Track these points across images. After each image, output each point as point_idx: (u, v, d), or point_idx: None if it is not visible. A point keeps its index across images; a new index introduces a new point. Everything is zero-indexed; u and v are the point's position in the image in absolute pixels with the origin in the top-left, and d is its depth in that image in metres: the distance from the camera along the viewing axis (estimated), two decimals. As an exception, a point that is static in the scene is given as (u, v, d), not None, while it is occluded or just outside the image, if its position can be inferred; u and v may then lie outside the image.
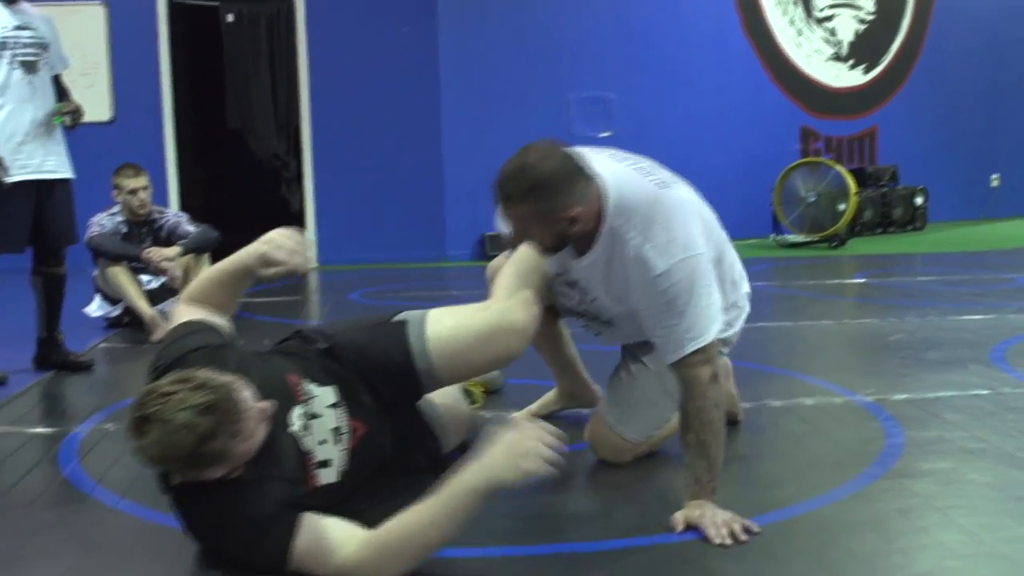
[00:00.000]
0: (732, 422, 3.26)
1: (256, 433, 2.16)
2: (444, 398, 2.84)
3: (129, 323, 5.44)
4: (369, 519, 2.18)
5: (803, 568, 2.21)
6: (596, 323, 2.89)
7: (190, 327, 2.41)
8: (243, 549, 2.14)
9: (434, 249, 8.90)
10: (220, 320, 2.48)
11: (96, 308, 5.55)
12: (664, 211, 2.52)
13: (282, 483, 2.20)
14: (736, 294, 2.87)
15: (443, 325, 2.58)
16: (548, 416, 3.35)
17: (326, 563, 2.12)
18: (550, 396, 3.44)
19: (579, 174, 2.47)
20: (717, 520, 2.36)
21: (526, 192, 2.43)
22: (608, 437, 2.93)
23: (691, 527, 2.38)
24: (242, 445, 2.12)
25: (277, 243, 2.41)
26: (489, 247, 8.90)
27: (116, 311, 5.49)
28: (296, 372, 2.42)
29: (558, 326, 3.25)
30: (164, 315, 5.42)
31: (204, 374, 2.13)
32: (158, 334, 5.07)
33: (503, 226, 2.62)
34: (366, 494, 2.43)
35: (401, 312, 2.66)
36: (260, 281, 2.47)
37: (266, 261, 2.40)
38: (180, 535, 2.39)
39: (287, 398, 2.32)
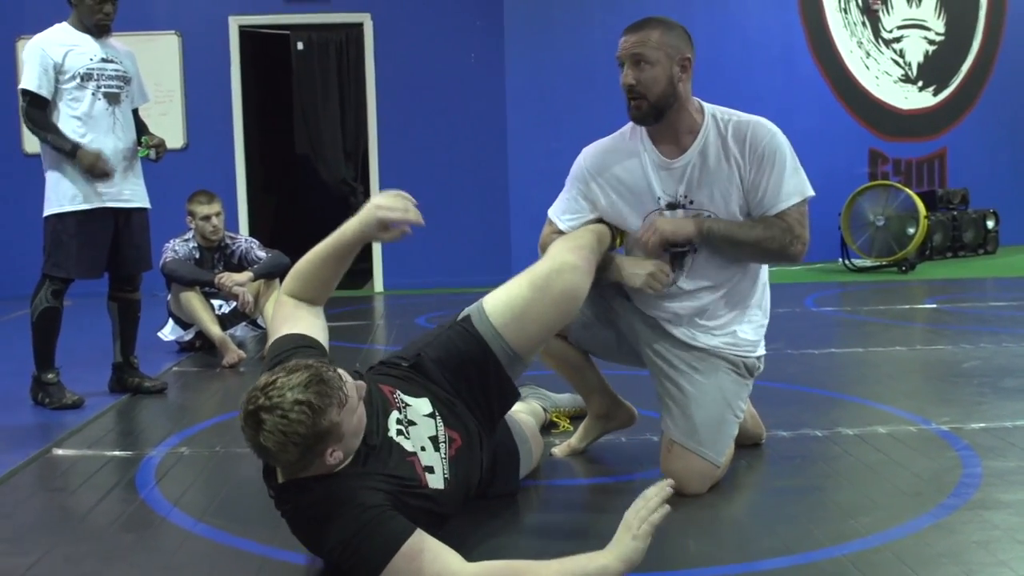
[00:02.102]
0: (755, 444, 3.33)
1: (359, 407, 2.20)
2: (527, 427, 2.87)
3: (201, 347, 5.53)
4: (465, 544, 2.21)
5: (881, 601, 2.17)
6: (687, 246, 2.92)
7: (292, 342, 2.45)
8: (347, 543, 2.13)
9: (499, 274, 8.81)
10: (320, 335, 2.52)
11: (169, 332, 5.65)
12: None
13: (392, 481, 2.23)
14: (767, 320, 3.06)
15: (498, 296, 2.66)
16: (588, 445, 3.34)
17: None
18: (586, 424, 3.36)
19: (692, 44, 2.91)
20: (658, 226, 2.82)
21: (658, 22, 2.84)
22: (695, 464, 2.87)
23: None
24: (351, 418, 2.16)
25: (388, 205, 2.47)
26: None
27: (188, 335, 5.58)
28: (388, 383, 2.47)
29: (578, 351, 3.21)
30: (236, 339, 5.51)
31: (295, 361, 2.19)
32: (229, 358, 5.14)
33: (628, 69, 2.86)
34: (460, 518, 2.48)
35: (462, 311, 2.71)
36: (381, 242, 2.57)
37: (383, 224, 2.47)
38: (257, 558, 2.43)
39: (383, 404, 2.37)
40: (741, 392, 2.98)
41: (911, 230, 8.98)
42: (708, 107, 2.93)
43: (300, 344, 2.45)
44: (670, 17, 2.92)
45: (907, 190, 9.18)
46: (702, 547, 2.52)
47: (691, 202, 2.88)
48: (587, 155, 3.03)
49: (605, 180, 2.96)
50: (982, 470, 3.03)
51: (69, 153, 4.08)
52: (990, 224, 10.21)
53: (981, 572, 2.29)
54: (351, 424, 2.17)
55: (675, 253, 2.92)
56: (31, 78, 4.10)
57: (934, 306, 6.97)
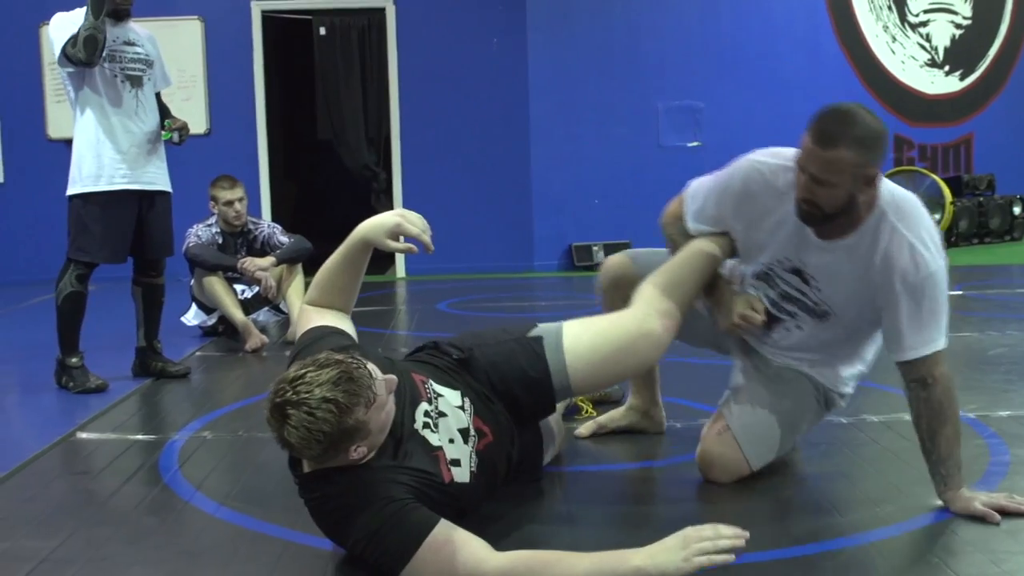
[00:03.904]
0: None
1: (388, 403, 2.19)
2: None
3: (224, 332, 5.54)
4: (491, 533, 2.19)
5: (908, 589, 2.15)
6: (799, 315, 2.77)
7: (319, 331, 2.48)
8: (372, 535, 2.12)
9: (521, 260, 8.91)
10: (347, 327, 2.54)
11: (192, 317, 5.66)
12: (927, 219, 2.60)
13: (416, 474, 2.22)
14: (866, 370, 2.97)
15: (581, 341, 2.62)
16: (612, 430, 3.33)
17: (461, 566, 2.08)
18: (619, 411, 3.36)
19: (887, 146, 2.56)
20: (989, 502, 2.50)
21: (853, 139, 2.43)
22: (733, 456, 2.82)
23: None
24: (379, 415, 2.15)
25: (411, 220, 2.50)
26: (576, 258, 8.88)
27: (211, 320, 5.59)
28: (423, 372, 2.46)
29: None
30: (258, 324, 5.52)
31: (326, 354, 2.18)
32: (252, 343, 5.15)
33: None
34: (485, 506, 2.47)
35: (535, 326, 2.69)
36: (382, 248, 2.53)
37: (397, 233, 2.48)
38: (279, 543, 2.43)
39: (413, 395, 2.35)
40: (810, 416, 2.91)
41: (937, 216, 8.91)
42: (884, 204, 2.56)
43: (328, 332, 2.46)
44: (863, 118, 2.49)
45: (933, 176, 9.11)
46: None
47: (819, 288, 2.70)
48: (751, 164, 2.74)
49: (753, 200, 2.72)
50: (1010, 458, 3.00)
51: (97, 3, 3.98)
52: (1016, 210, 10.11)
53: (1008, 560, 2.26)
54: (378, 421, 2.16)
55: (773, 317, 2.82)
56: (63, 36, 4.02)
57: (960, 293, 6.91)
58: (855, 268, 2.61)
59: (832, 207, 2.52)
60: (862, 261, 2.58)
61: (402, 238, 2.51)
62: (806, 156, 2.49)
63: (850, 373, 2.93)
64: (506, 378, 2.56)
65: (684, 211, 2.89)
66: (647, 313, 2.66)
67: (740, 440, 2.82)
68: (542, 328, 2.67)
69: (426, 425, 2.32)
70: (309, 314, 2.59)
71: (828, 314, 2.72)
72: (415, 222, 2.50)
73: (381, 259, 9.26)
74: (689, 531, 2.10)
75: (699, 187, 2.87)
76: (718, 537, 2.08)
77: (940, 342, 2.54)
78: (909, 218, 2.55)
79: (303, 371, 2.12)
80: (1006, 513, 2.48)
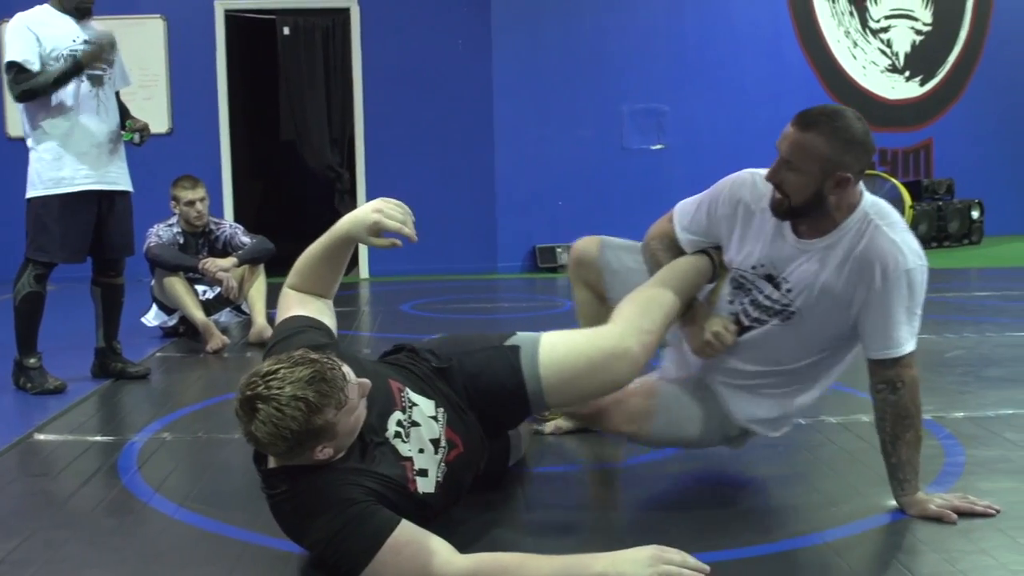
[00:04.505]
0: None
1: (359, 407, 2.18)
2: None
3: (185, 332, 5.51)
4: (456, 535, 2.19)
5: (863, 588, 2.18)
6: (763, 321, 2.74)
7: (299, 321, 2.46)
8: (332, 536, 2.11)
9: (485, 261, 8.92)
10: (328, 319, 2.52)
11: (153, 317, 5.63)
12: (904, 223, 2.62)
13: (380, 480, 2.20)
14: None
15: (556, 352, 2.58)
16: (575, 430, 3.35)
17: (422, 568, 2.07)
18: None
19: (869, 156, 2.54)
20: (944, 504, 2.54)
21: (829, 128, 2.47)
22: (646, 409, 2.79)
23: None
24: (348, 418, 2.14)
25: (389, 213, 2.45)
26: (540, 259, 8.90)
27: (172, 321, 5.56)
28: (400, 380, 2.45)
29: None
30: (220, 325, 5.49)
31: (302, 352, 2.16)
32: (213, 344, 5.13)
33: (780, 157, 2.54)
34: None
35: (513, 335, 2.67)
36: (365, 244, 2.50)
37: (377, 230, 2.44)
38: (237, 544, 2.43)
39: (387, 403, 2.34)
40: (709, 436, 2.87)
41: (896, 220, 9.00)
42: (865, 207, 2.58)
43: (308, 325, 2.44)
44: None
45: (893, 180, 9.21)
46: (683, 534, 2.51)
47: (789, 290, 2.67)
48: (740, 177, 2.77)
49: (738, 207, 2.74)
50: (964, 458, 3.04)
51: (73, 68, 4.02)
52: (975, 214, 10.24)
53: (962, 560, 2.29)
54: (347, 424, 2.15)
55: (743, 328, 2.79)
56: (16, 51, 4.04)
57: (918, 296, 6.98)
58: (832, 267, 2.60)
59: (798, 198, 2.53)
60: (841, 259, 2.58)
61: (384, 233, 2.47)
62: (782, 136, 2.54)
63: (759, 416, 2.87)
64: (482, 389, 2.54)
65: (674, 224, 2.89)
66: (625, 331, 2.62)
67: (660, 410, 2.79)
68: (520, 337, 2.64)
69: (397, 435, 2.31)
70: (290, 300, 2.56)
71: (794, 315, 2.69)
72: (394, 215, 2.45)
73: (344, 260, 9.23)
74: (657, 550, 2.12)
75: (689, 200, 2.89)
76: (684, 564, 2.11)
77: (913, 343, 2.56)
78: (894, 223, 2.57)
79: (277, 367, 2.11)
80: (961, 513, 2.52)
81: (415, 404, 2.41)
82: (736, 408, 2.84)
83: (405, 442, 2.32)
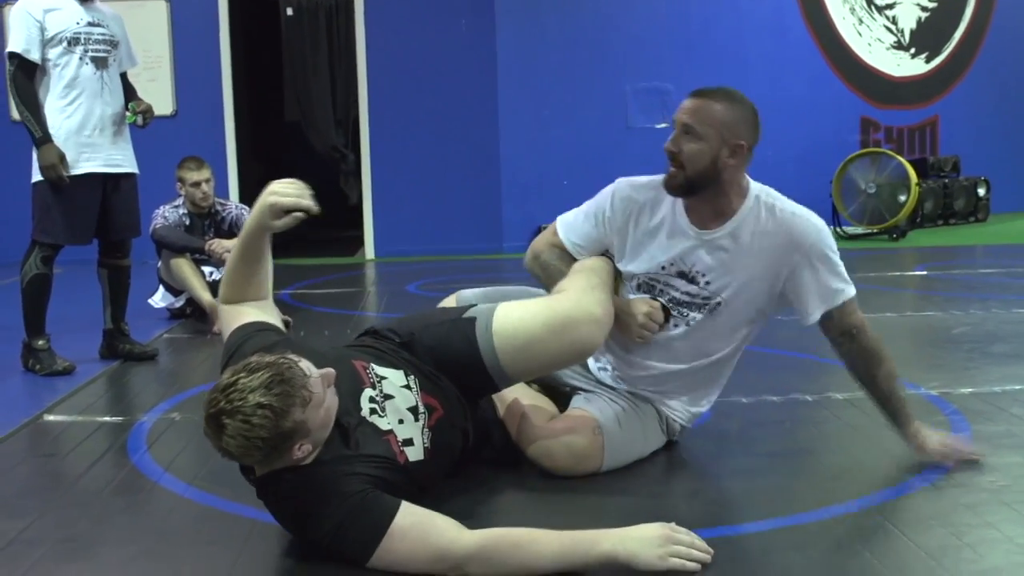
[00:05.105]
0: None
1: (327, 398, 2.17)
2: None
3: (192, 314, 5.53)
4: (457, 511, 2.19)
5: (869, 561, 2.18)
6: (689, 315, 2.76)
7: (246, 330, 2.45)
8: (336, 529, 2.11)
9: (490, 241, 8.91)
10: (271, 316, 2.52)
11: (160, 299, 5.64)
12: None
13: (369, 461, 2.21)
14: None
15: (510, 318, 2.56)
16: None
17: (431, 547, 2.07)
18: None
19: (758, 132, 2.68)
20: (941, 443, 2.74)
21: (725, 96, 2.65)
22: (595, 457, 2.73)
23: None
24: (318, 412, 2.13)
25: (282, 191, 2.42)
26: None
27: (179, 302, 5.57)
28: (363, 358, 2.44)
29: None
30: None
31: (256, 358, 2.15)
32: (219, 325, 5.13)
33: (678, 124, 2.65)
34: (452, 485, 2.48)
35: (473, 306, 2.66)
36: (274, 231, 2.46)
37: (276, 212, 2.41)
38: (247, 522, 2.44)
39: (355, 382, 2.34)
40: (654, 439, 2.88)
41: (902, 197, 8.99)
42: (754, 190, 2.72)
43: (254, 330, 2.43)
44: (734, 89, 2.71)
45: (898, 157, 9.18)
46: (692, 510, 2.53)
47: (708, 283, 2.72)
48: (620, 184, 2.85)
49: (629, 215, 2.80)
50: (971, 434, 3.04)
51: (37, 141, 4.05)
52: (981, 192, 10.21)
53: (968, 534, 2.30)
54: (317, 419, 2.14)
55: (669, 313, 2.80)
56: (18, 40, 4.06)
57: (924, 273, 6.99)
58: (743, 250, 2.68)
59: (694, 167, 2.61)
60: (749, 241, 2.67)
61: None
62: (680, 109, 2.67)
63: (695, 411, 2.92)
64: (442, 361, 2.53)
65: (560, 236, 2.90)
66: (580, 296, 2.62)
67: (607, 443, 2.74)
68: (478, 309, 2.62)
69: (373, 411, 2.32)
70: (229, 315, 2.53)
71: (719, 304, 2.73)
72: (287, 192, 2.41)
73: (350, 241, 9.25)
74: (667, 529, 2.12)
75: (570, 214, 2.93)
76: (692, 545, 2.11)
77: (851, 289, 2.71)
78: (783, 199, 2.73)
79: (234, 378, 2.09)
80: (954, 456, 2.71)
81: (384, 377, 2.40)
82: (677, 415, 2.89)
83: (383, 416, 2.32)
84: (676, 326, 2.78)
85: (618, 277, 2.88)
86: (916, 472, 2.69)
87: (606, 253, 2.89)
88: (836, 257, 2.70)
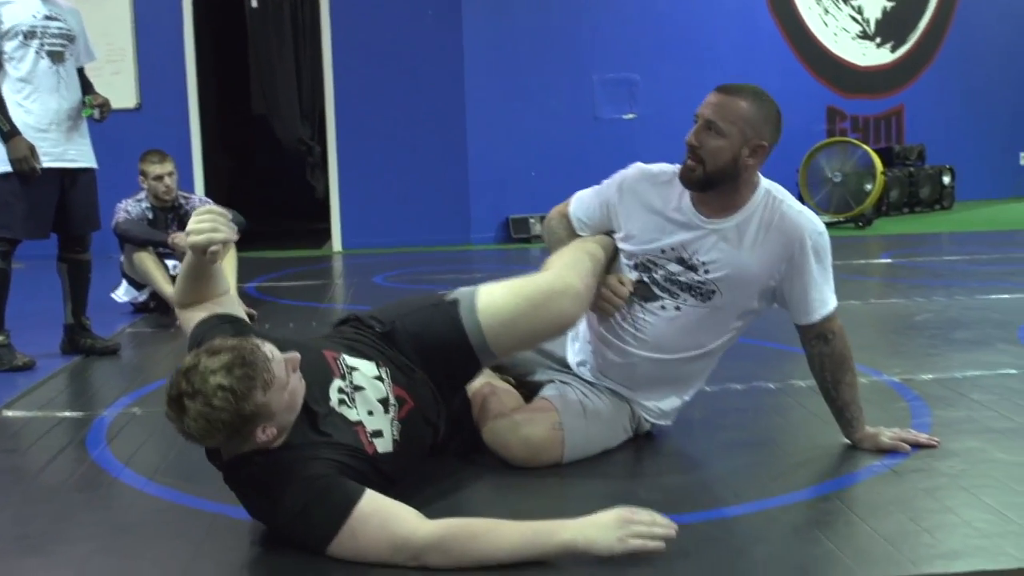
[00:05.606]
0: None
1: (291, 382, 2.16)
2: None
3: (155, 308, 5.48)
4: (421, 501, 2.19)
5: (829, 546, 2.19)
6: (682, 295, 2.74)
7: (207, 324, 2.42)
8: (299, 513, 2.10)
9: (459, 232, 8.90)
10: (232, 309, 2.50)
11: (123, 293, 5.59)
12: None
13: (337, 449, 2.20)
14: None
15: (493, 296, 2.59)
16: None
17: (391, 536, 2.06)
18: None
19: (779, 134, 2.68)
20: (894, 436, 2.76)
21: (752, 94, 2.62)
22: (554, 452, 2.72)
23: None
24: (281, 395, 2.12)
25: (196, 229, 2.34)
26: (513, 230, 8.89)
27: (142, 296, 5.52)
28: (333, 348, 2.43)
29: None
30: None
31: (218, 341, 2.14)
32: (182, 325, 5.09)
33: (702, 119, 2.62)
34: (419, 475, 2.46)
35: (454, 291, 2.67)
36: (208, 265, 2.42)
37: (197, 252, 2.36)
38: (207, 516, 2.42)
39: (324, 373, 2.33)
40: (620, 436, 2.88)
41: (868, 186, 9.05)
42: (764, 184, 2.74)
43: (218, 323, 2.40)
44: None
45: (864, 147, 9.24)
46: (654, 497, 2.52)
47: (707, 271, 2.71)
48: (632, 169, 2.85)
49: (635, 196, 2.80)
50: (931, 419, 3.07)
51: (5, 135, 4.00)
52: (946, 180, 10.30)
53: (927, 518, 2.32)
54: (281, 402, 2.12)
55: (651, 293, 2.79)
56: None
57: (889, 261, 7.04)
58: (748, 243, 2.68)
59: (714, 164, 2.60)
60: (755, 235, 2.67)
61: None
62: (704, 104, 2.64)
63: (670, 406, 2.91)
64: (427, 346, 2.54)
65: (570, 210, 2.95)
66: (561, 271, 2.66)
67: (568, 436, 2.74)
68: (459, 291, 2.65)
69: (342, 401, 2.31)
70: (189, 315, 2.49)
71: (714, 293, 2.73)
72: (200, 229, 2.33)
73: (317, 234, 9.21)
74: (625, 512, 2.12)
75: (587, 191, 2.96)
76: (653, 523, 2.11)
77: (835, 299, 2.75)
78: (791, 199, 2.74)
79: (196, 360, 2.08)
80: (909, 444, 2.75)
81: (354, 368, 2.40)
82: (648, 414, 2.89)
83: (352, 407, 2.32)
84: (664, 308, 2.77)
85: (616, 258, 2.88)
86: (877, 459, 2.71)
87: (610, 233, 2.90)
88: (829, 265, 2.73)
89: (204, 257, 2.36)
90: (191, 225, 2.37)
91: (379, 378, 2.42)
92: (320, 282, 6.90)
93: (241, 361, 2.07)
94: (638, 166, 2.86)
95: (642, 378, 2.84)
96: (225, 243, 2.36)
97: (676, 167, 2.75)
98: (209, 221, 2.35)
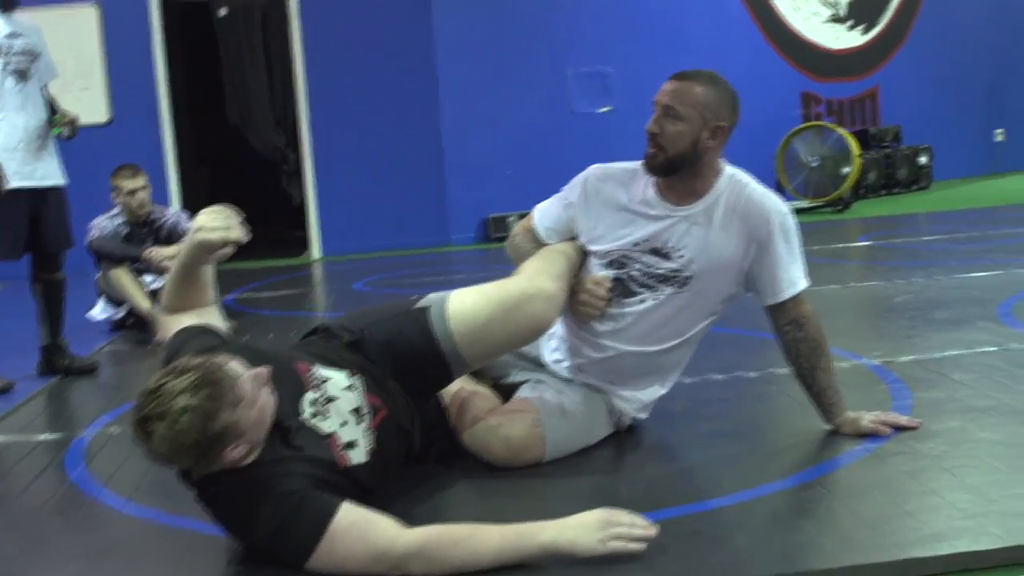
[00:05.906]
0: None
1: (260, 398, 2.13)
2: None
3: (133, 325, 5.43)
4: (402, 508, 2.18)
5: (812, 533, 2.19)
6: (659, 287, 2.74)
7: (186, 333, 2.41)
8: (275, 529, 2.07)
9: (438, 234, 8.87)
10: (214, 320, 2.47)
11: (100, 311, 5.54)
12: None
13: (309, 463, 2.17)
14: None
15: (464, 302, 2.58)
16: None
17: (370, 547, 2.04)
18: None
19: (737, 115, 2.73)
20: (874, 419, 2.76)
21: (706, 79, 2.67)
22: (536, 452, 2.71)
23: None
24: (249, 412, 2.09)
25: (209, 227, 2.39)
26: (493, 229, 8.88)
27: (120, 313, 5.48)
28: (304, 359, 2.41)
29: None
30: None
31: (183, 360, 2.12)
32: (161, 333, 5.06)
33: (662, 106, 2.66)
34: (399, 482, 2.45)
35: (424, 297, 2.65)
36: (209, 263, 2.44)
37: (207, 248, 2.38)
38: (187, 534, 2.40)
39: (296, 385, 2.31)
40: (601, 432, 2.88)
41: (845, 170, 9.06)
42: (728, 170, 2.77)
43: (191, 335, 2.39)
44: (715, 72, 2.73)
45: (840, 130, 9.25)
46: (635, 492, 2.52)
47: (681, 256, 2.72)
48: (591, 170, 2.88)
49: (599, 196, 2.82)
50: (912, 401, 3.07)
51: None
52: (923, 160, 10.32)
53: (910, 501, 2.31)
54: (250, 419, 2.10)
55: (628, 290, 2.79)
56: None
57: (868, 243, 7.05)
58: (718, 227, 2.70)
59: (675, 148, 2.63)
60: (723, 218, 2.70)
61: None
62: (661, 91, 2.69)
63: (651, 396, 2.91)
64: (397, 355, 2.52)
65: (534, 222, 2.95)
66: (532, 276, 2.65)
67: (548, 434, 2.73)
68: (430, 298, 2.63)
69: (314, 414, 2.28)
70: (168, 323, 2.50)
71: (690, 279, 2.73)
72: (215, 225, 2.38)
73: (295, 242, 9.17)
74: (606, 513, 2.11)
75: (545, 202, 2.96)
76: (633, 525, 2.10)
77: (805, 280, 2.76)
78: (754, 182, 2.77)
79: (161, 381, 2.06)
80: (894, 427, 2.77)
81: (327, 379, 2.37)
82: (628, 407, 2.88)
83: (325, 419, 2.29)
84: (643, 301, 2.77)
85: (585, 261, 2.88)
86: (859, 443, 2.70)
87: (576, 239, 2.90)
88: (797, 245, 2.76)
89: (211, 256, 2.35)
90: (200, 221, 2.38)
91: (351, 387, 2.40)
92: (300, 291, 6.88)
93: (207, 381, 2.05)
94: (597, 166, 2.88)
95: (624, 371, 2.84)
96: (237, 243, 2.36)
97: (636, 164, 2.77)
98: (223, 219, 2.36)
